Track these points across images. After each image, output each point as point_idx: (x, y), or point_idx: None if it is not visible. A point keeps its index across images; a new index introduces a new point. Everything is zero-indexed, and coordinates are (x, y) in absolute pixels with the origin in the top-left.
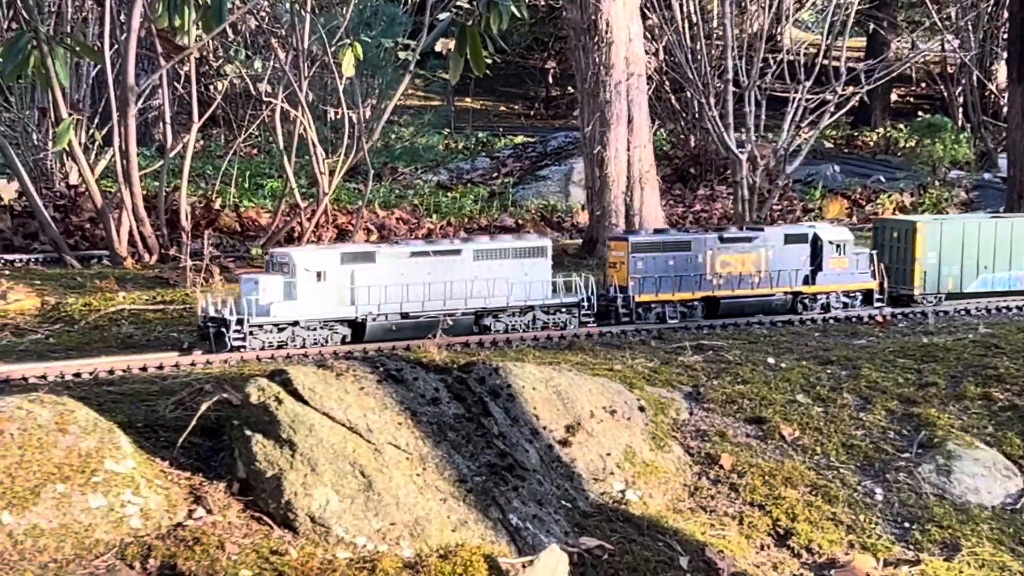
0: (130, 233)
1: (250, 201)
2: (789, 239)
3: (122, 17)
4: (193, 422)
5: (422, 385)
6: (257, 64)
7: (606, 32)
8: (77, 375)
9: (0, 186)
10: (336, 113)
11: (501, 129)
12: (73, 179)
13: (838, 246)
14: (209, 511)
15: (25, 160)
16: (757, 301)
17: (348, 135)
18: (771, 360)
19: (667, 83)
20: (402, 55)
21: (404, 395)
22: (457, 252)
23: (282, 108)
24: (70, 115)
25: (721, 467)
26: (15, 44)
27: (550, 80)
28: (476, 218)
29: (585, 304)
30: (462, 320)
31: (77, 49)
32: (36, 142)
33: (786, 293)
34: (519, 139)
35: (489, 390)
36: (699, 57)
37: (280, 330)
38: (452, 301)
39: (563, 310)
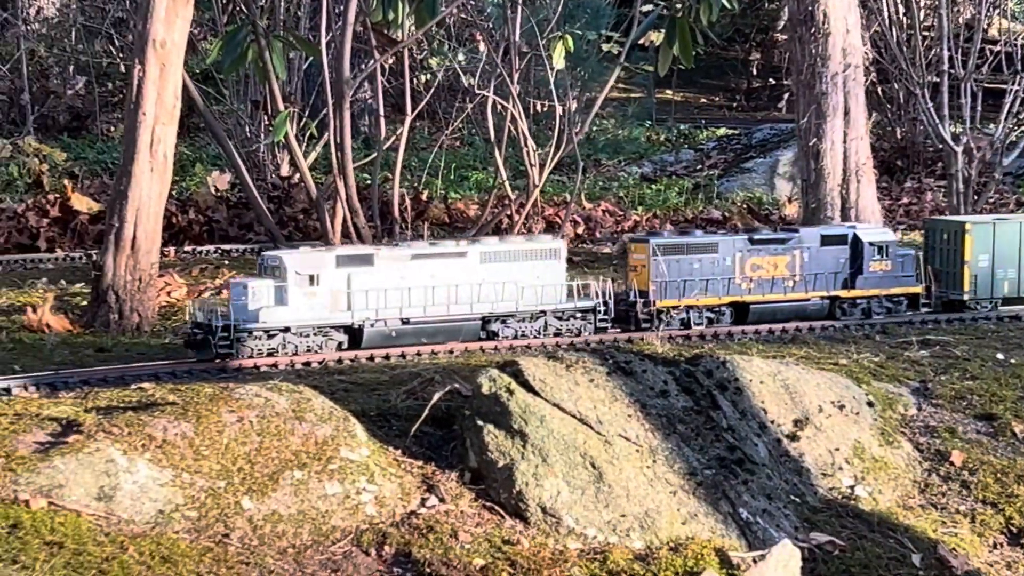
0: (344, 223)
1: (456, 193)
2: (826, 240)
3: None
4: (425, 412)
5: (651, 377)
6: (460, 57)
7: (823, 23)
8: (307, 364)
9: (215, 177)
10: (541, 106)
11: (703, 121)
12: (284, 171)
13: (880, 248)
14: (442, 500)
15: (239, 152)
16: (791, 306)
17: (558, 127)
18: (1000, 356)
19: (873, 74)
20: (605, 47)
21: (633, 387)
22: (462, 254)
23: (487, 100)
24: (286, 108)
25: (951, 464)
26: (233, 38)
27: (754, 72)
28: (681, 210)
29: (601, 309)
30: (467, 325)
31: (293, 42)
32: (248, 134)
33: (823, 298)
34: (721, 131)
35: (717, 383)
36: (913, 46)
37: (270, 337)
38: (457, 306)
39: (578, 315)
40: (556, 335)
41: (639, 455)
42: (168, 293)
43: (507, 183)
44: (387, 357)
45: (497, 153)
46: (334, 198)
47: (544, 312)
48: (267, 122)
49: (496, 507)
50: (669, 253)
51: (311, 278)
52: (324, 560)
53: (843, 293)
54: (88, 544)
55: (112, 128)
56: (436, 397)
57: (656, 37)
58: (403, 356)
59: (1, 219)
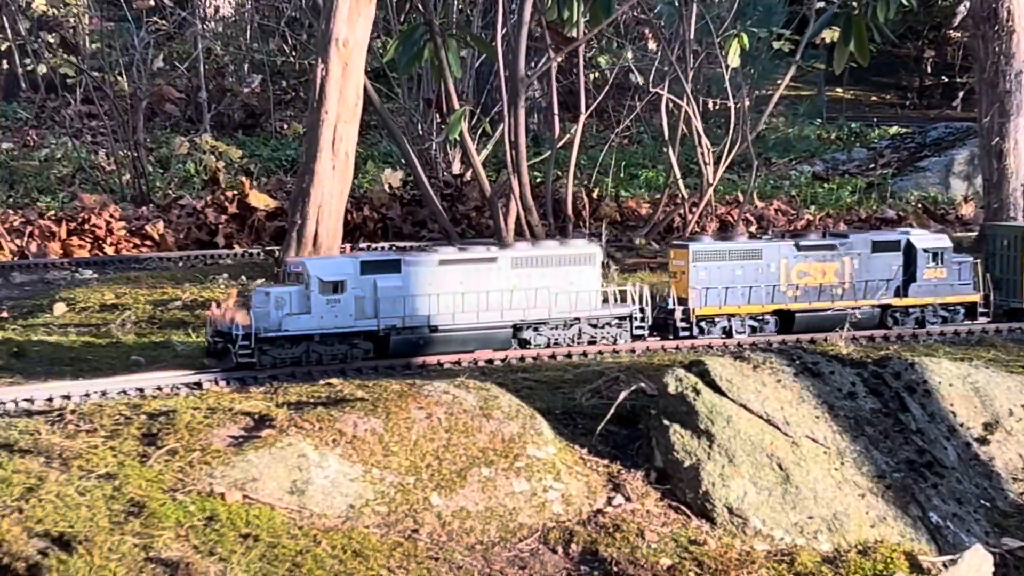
0: (517, 221)
1: (626, 191)
2: (877, 247)
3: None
4: (611, 411)
5: (838, 379)
6: (628, 54)
7: (1007, 21)
8: (489, 361)
9: (388, 174)
10: (714, 104)
11: (875, 119)
12: (456, 168)
13: (935, 255)
14: (628, 499)
15: (412, 150)
16: (839, 315)
17: (732, 125)
18: None
19: None
20: (776, 45)
21: (820, 388)
22: (493, 260)
23: (658, 98)
24: (460, 106)
25: None
26: (410, 37)
27: (927, 70)
28: (855, 210)
29: (638, 316)
30: (497, 333)
31: (468, 41)
32: (420, 132)
33: (873, 306)
34: (894, 130)
35: (905, 385)
36: None
37: (294, 345)
38: (487, 313)
39: (614, 323)
40: (591, 343)
41: (827, 457)
42: None
43: (680, 181)
44: (569, 356)
45: (671, 151)
46: (507, 196)
47: (578, 319)
48: (439, 120)
49: (682, 507)
50: (709, 259)
51: (335, 285)
52: (511, 557)
53: (895, 301)
54: (282, 537)
55: (285, 126)
56: (622, 396)
57: (830, 35)
58: (584, 355)
59: (181, 215)
